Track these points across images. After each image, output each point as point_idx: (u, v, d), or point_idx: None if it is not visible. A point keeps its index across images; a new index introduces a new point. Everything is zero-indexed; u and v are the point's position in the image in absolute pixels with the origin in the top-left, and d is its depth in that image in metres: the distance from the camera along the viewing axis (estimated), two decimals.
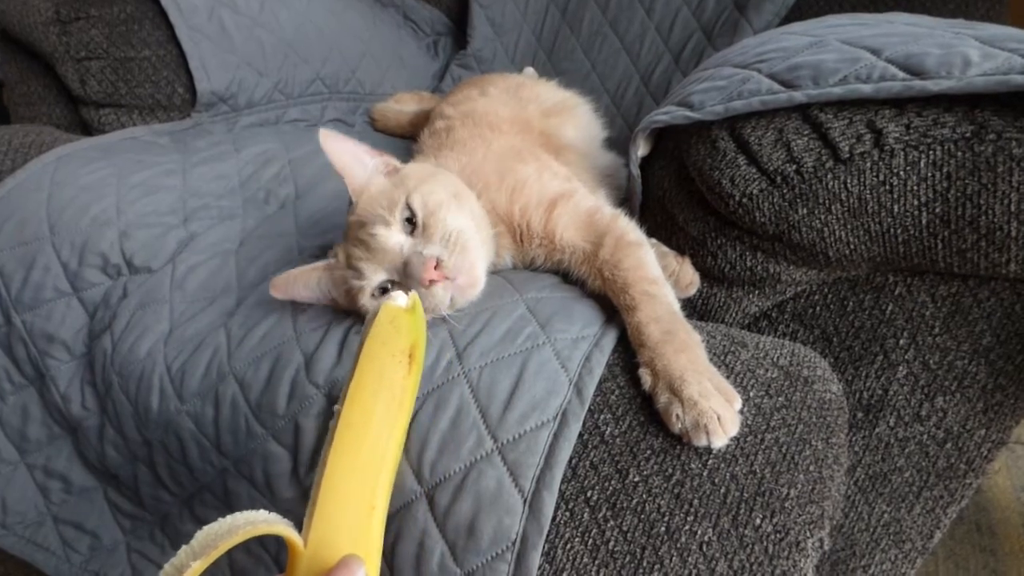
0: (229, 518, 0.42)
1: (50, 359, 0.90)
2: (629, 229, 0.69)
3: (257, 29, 1.23)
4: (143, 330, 0.81)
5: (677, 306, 0.62)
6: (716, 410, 0.50)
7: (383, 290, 0.65)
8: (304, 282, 0.69)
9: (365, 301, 0.65)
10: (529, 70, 1.36)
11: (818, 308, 0.67)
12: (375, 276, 0.64)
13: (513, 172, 0.74)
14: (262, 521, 0.43)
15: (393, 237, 0.65)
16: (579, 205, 0.72)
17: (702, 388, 0.52)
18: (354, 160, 0.70)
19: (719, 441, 0.51)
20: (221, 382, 0.72)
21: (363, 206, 0.68)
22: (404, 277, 0.63)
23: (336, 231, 0.90)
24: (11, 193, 0.93)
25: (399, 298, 0.50)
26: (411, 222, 0.65)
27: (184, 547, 0.40)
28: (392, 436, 0.51)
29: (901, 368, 0.64)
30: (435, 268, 0.61)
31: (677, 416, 0.51)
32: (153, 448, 0.80)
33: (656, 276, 0.63)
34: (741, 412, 0.53)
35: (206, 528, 0.41)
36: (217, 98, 1.18)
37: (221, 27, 1.17)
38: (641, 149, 0.75)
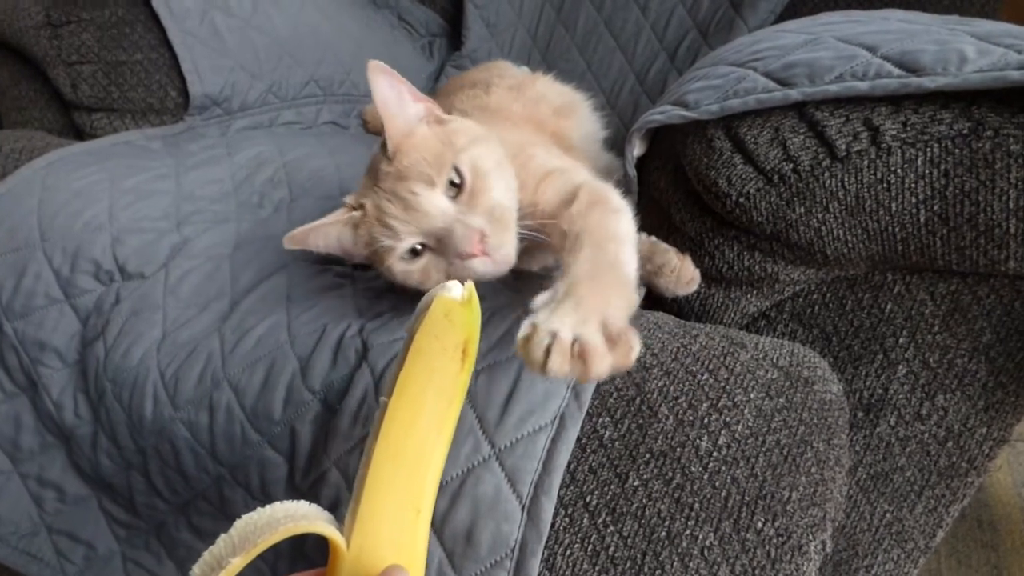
0: (268, 509, 0.41)
1: (42, 367, 0.89)
2: (611, 196, 0.63)
3: (250, 31, 1.22)
4: (136, 337, 0.80)
5: (630, 268, 0.53)
6: (575, 329, 0.43)
7: (413, 252, 0.62)
8: (323, 234, 0.66)
9: (393, 262, 0.62)
10: (524, 69, 1.36)
11: (817, 307, 0.67)
12: (409, 238, 0.60)
13: (524, 149, 0.72)
14: (302, 517, 0.41)
15: (436, 199, 0.60)
16: (571, 178, 0.67)
17: (580, 319, 0.44)
18: (399, 100, 0.65)
19: (557, 368, 0.43)
20: (215, 389, 0.71)
21: (405, 158, 0.62)
22: (441, 245, 0.59)
23: None
24: (1, 199, 0.92)
25: (454, 289, 0.45)
26: (455, 186, 0.61)
27: (223, 536, 0.39)
28: (441, 434, 0.47)
29: (901, 367, 0.64)
30: (478, 241, 0.58)
31: (525, 335, 0.45)
32: (147, 456, 0.79)
33: (620, 235, 0.56)
34: (639, 360, 0.48)
35: (245, 518, 0.40)
36: (210, 101, 1.17)
37: (214, 30, 1.16)
38: (637, 149, 0.75)
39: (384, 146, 0.65)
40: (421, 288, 0.62)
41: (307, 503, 0.43)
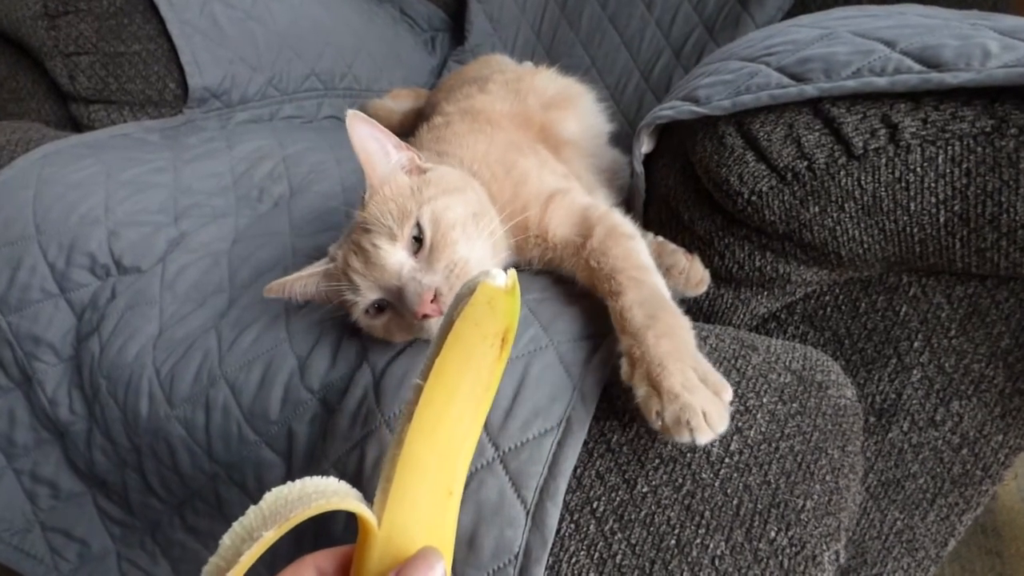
0: (299, 484, 0.40)
1: (37, 362, 0.87)
2: (622, 222, 0.65)
3: (250, 23, 1.20)
4: (132, 332, 0.79)
5: (667, 294, 0.57)
6: (700, 404, 0.45)
7: (378, 308, 0.61)
8: (301, 285, 0.65)
9: (358, 316, 0.61)
10: (528, 65, 1.34)
11: (829, 309, 0.65)
12: (369, 294, 0.60)
13: (516, 165, 0.72)
14: (333, 494, 0.40)
15: (396, 255, 0.59)
16: (574, 202, 0.68)
17: (685, 379, 0.47)
18: (379, 149, 0.64)
19: (703, 438, 0.45)
20: (212, 387, 0.69)
21: (373, 208, 0.62)
22: (397, 302, 0.58)
23: (331, 231, 0.88)
24: None
25: (498, 277, 0.44)
26: (419, 240, 0.60)
27: (253, 508, 0.39)
28: (476, 419, 0.47)
29: (915, 371, 0.62)
30: (432, 301, 0.56)
31: (656, 411, 0.46)
32: (142, 454, 0.78)
33: (645, 264, 0.59)
34: (732, 404, 0.49)
35: (275, 491, 0.39)
36: (209, 94, 1.15)
37: (213, 21, 1.15)
38: (645, 146, 0.73)
39: (363, 195, 0.65)
40: (390, 341, 0.62)
41: (336, 479, 0.42)
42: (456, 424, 0.46)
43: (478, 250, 0.61)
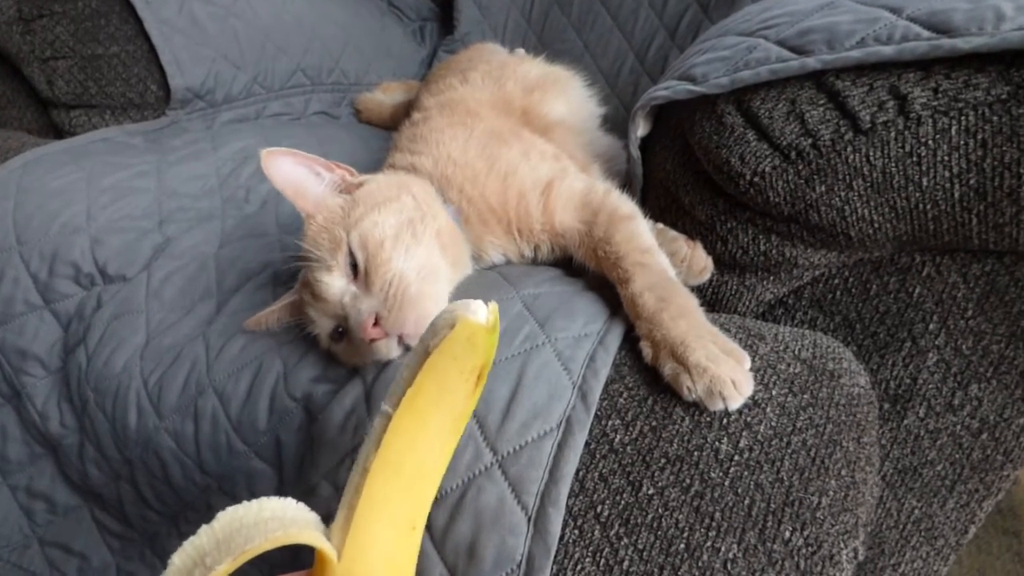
0: (255, 506, 0.39)
1: (25, 376, 0.85)
2: (621, 203, 0.65)
3: (231, 19, 1.17)
4: (118, 342, 0.76)
5: (672, 273, 0.59)
6: (727, 373, 0.48)
7: (340, 333, 0.60)
8: (275, 318, 0.66)
9: (326, 345, 0.61)
10: (520, 51, 1.31)
11: (839, 293, 0.62)
12: (325, 323, 0.60)
13: (500, 158, 0.69)
14: (292, 523, 0.39)
15: (335, 284, 0.59)
16: (573, 185, 0.68)
17: (708, 352, 0.49)
18: (307, 176, 0.64)
19: (735, 404, 0.48)
20: (200, 396, 0.67)
21: (308, 241, 0.62)
22: (346, 326, 0.59)
23: None
24: None
25: (479, 312, 0.43)
26: (354, 265, 0.60)
27: (205, 528, 0.37)
28: (444, 453, 0.46)
29: (931, 355, 0.59)
30: (374, 325, 0.56)
31: (688, 387, 0.49)
32: (135, 467, 0.76)
33: (648, 246, 0.60)
34: (752, 370, 0.50)
35: (229, 512, 0.38)
36: (192, 94, 1.12)
37: (192, 19, 1.12)
38: (641, 129, 0.70)
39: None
40: (359, 364, 0.61)
41: (295, 502, 0.41)
42: (424, 457, 0.44)
43: (419, 257, 0.60)
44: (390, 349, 0.58)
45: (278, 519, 0.39)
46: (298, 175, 0.63)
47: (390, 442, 0.42)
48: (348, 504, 0.42)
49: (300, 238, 0.63)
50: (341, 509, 0.42)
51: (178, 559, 0.36)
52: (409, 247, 0.60)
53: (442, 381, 0.44)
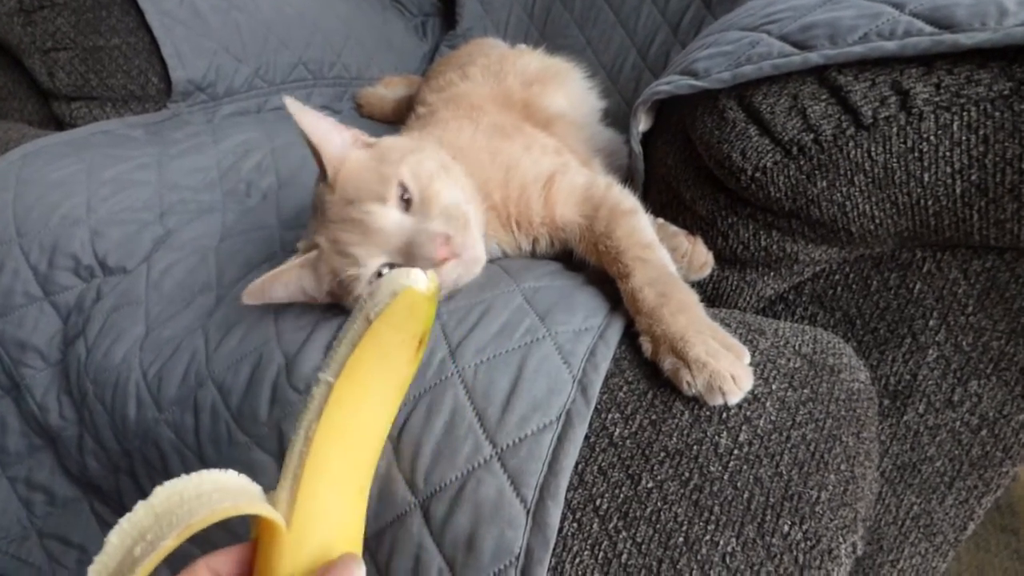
0: (194, 479, 0.38)
1: (24, 367, 0.85)
2: (623, 198, 0.65)
3: (233, 12, 1.17)
4: (118, 334, 0.76)
5: (673, 268, 0.59)
6: (727, 368, 0.48)
7: (379, 275, 0.59)
8: (282, 283, 0.62)
9: (362, 290, 0.59)
10: (521, 46, 1.31)
11: (839, 289, 0.62)
12: (373, 261, 0.58)
13: (502, 151, 0.69)
14: (238, 493, 0.39)
15: (391, 215, 0.59)
16: (574, 180, 0.68)
17: (708, 347, 0.49)
18: (328, 131, 0.64)
19: (735, 398, 0.48)
20: (200, 388, 0.67)
21: (349, 182, 0.61)
22: (408, 259, 0.58)
23: None
24: None
25: (419, 281, 0.44)
26: (404, 200, 0.60)
27: (142, 504, 0.36)
28: (386, 419, 0.47)
29: (931, 351, 0.59)
30: (444, 244, 0.57)
31: (688, 382, 0.49)
32: (133, 459, 0.76)
33: (649, 241, 0.60)
34: (751, 364, 0.51)
35: (168, 486, 0.37)
36: (194, 87, 1.12)
37: (194, 11, 1.11)
38: (642, 123, 0.70)
39: (323, 180, 0.64)
40: None
41: (235, 474, 0.40)
42: (366, 423, 0.45)
43: (458, 193, 0.62)
44: (454, 274, 0.58)
45: (221, 491, 0.38)
46: (323, 126, 0.63)
47: (332, 410, 0.43)
48: (292, 474, 0.42)
49: (323, 190, 0.62)
50: (284, 479, 0.42)
51: (115, 537, 0.35)
52: (450, 186, 0.61)
53: (383, 350, 0.44)
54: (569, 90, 0.93)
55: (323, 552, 0.41)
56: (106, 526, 0.89)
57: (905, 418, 0.62)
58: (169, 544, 0.34)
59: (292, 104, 0.61)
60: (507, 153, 0.70)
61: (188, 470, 0.69)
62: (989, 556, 1.23)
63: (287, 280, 0.62)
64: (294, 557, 0.40)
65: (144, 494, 0.82)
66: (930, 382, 0.60)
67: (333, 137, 0.64)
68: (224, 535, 0.48)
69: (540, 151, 0.72)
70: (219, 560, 0.40)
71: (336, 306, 0.65)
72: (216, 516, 0.36)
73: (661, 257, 0.59)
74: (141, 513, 0.36)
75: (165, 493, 0.37)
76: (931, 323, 0.59)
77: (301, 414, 0.43)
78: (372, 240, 0.58)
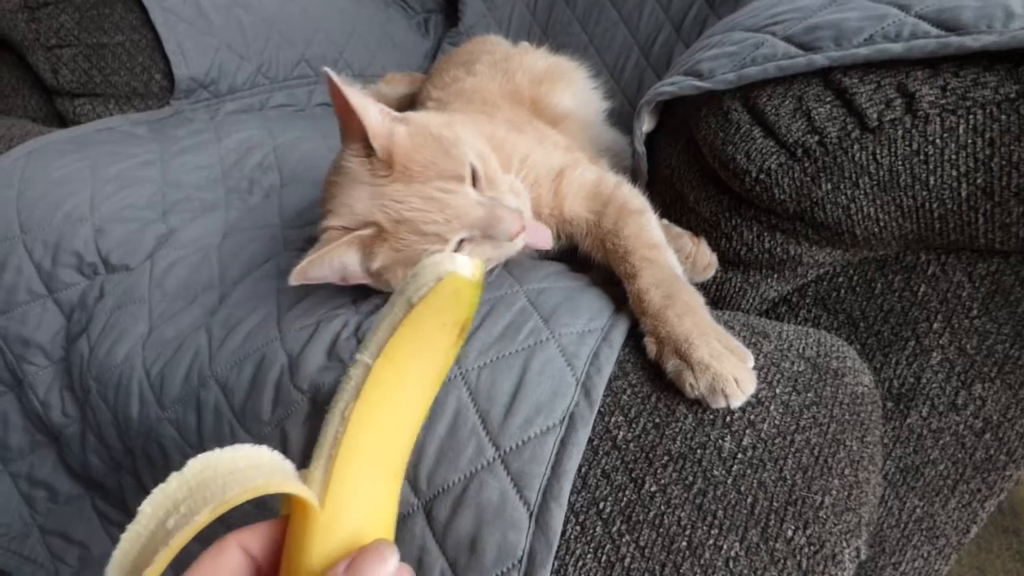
0: (228, 453, 0.37)
1: (27, 364, 0.85)
2: (632, 197, 0.65)
3: (236, 9, 1.16)
4: (120, 332, 0.76)
5: (679, 270, 0.59)
6: (730, 371, 0.48)
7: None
8: (327, 262, 0.59)
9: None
10: (524, 44, 1.30)
11: (843, 291, 0.62)
12: (455, 237, 0.57)
13: (517, 145, 0.69)
14: (272, 470, 0.37)
15: (468, 191, 0.58)
16: (584, 175, 0.68)
17: (712, 349, 0.49)
18: (369, 105, 0.60)
19: (738, 401, 0.48)
20: (203, 387, 0.67)
21: (412, 160, 0.58)
22: (484, 234, 0.57)
23: None
24: None
25: (464, 266, 0.42)
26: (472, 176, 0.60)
27: (176, 475, 0.35)
28: (424, 404, 0.46)
29: (935, 354, 0.59)
30: (520, 219, 0.57)
31: (691, 384, 0.49)
32: (136, 457, 0.76)
33: (656, 241, 0.60)
34: (755, 368, 0.50)
35: (202, 459, 0.36)
36: (197, 84, 1.12)
37: (198, 8, 1.11)
38: (646, 124, 0.70)
39: (363, 155, 0.60)
40: None
41: (268, 449, 0.39)
42: (404, 407, 0.44)
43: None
44: (526, 239, 0.60)
45: (255, 467, 0.37)
46: (365, 100, 0.60)
47: (370, 392, 0.42)
48: (327, 453, 0.41)
49: (370, 162, 0.59)
50: (318, 458, 0.41)
51: (148, 506, 0.35)
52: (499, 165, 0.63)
53: (424, 334, 0.43)
54: (576, 90, 0.92)
55: (355, 535, 0.40)
56: (108, 523, 0.89)
57: (908, 421, 0.62)
58: (203, 519, 0.34)
59: (334, 77, 0.58)
60: (521, 146, 0.69)
61: None
62: (991, 557, 1.23)
63: (331, 259, 0.59)
64: (326, 538, 0.39)
65: (146, 492, 0.82)
66: (934, 385, 0.60)
67: (373, 112, 0.60)
68: (252, 509, 0.47)
69: (552, 146, 0.72)
70: (248, 536, 0.39)
71: (342, 307, 0.65)
72: (250, 493, 0.35)
73: (668, 258, 0.59)
74: (174, 484, 0.35)
75: (199, 465, 0.36)
76: (935, 326, 0.58)
77: (337, 394, 0.43)
78: (452, 216, 0.57)
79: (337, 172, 0.62)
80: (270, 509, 0.42)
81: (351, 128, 0.60)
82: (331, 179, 0.63)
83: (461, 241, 0.58)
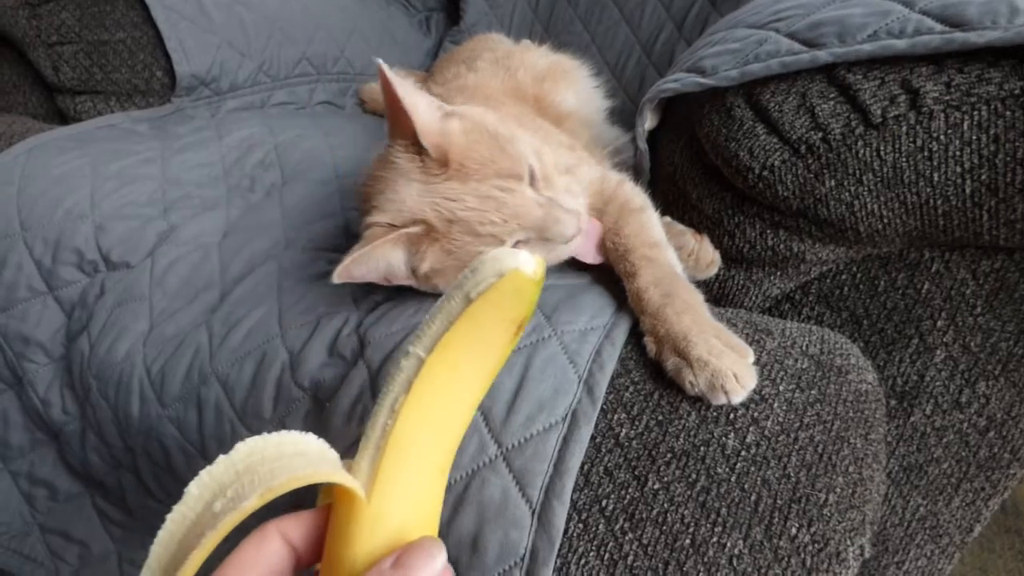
0: (275, 439, 0.37)
1: (27, 362, 0.85)
2: (633, 195, 0.65)
3: (237, 7, 1.16)
4: (121, 330, 0.76)
5: (679, 268, 0.59)
6: (729, 367, 0.48)
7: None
8: (372, 259, 0.57)
9: None
10: (526, 42, 1.30)
11: (846, 289, 0.62)
12: (512, 238, 0.56)
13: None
14: (320, 459, 0.37)
15: (526, 191, 0.56)
16: (587, 173, 0.68)
17: (710, 346, 0.49)
18: (420, 100, 0.58)
19: (738, 397, 0.48)
20: (203, 385, 0.67)
21: (468, 157, 0.56)
22: (540, 235, 0.56)
23: (325, 219, 0.85)
24: None
25: (526, 262, 0.41)
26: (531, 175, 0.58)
27: (223, 458, 0.35)
28: (474, 400, 0.45)
29: (939, 352, 0.59)
30: (578, 221, 0.57)
31: (690, 381, 0.48)
32: (136, 455, 0.76)
33: (656, 240, 0.60)
34: (756, 363, 0.50)
35: (250, 443, 0.36)
36: (198, 81, 1.12)
37: (199, 6, 1.11)
38: (648, 121, 0.70)
39: (410, 149, 0.58)
40: None
41: (314, 437, 0.39)
42: (455, 404, 0.44)
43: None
44: (581, 243, 0.59)
45: (302, 454, 0.37)
46: (416, 96, 0.58)
47: (422, 387, 0.41)
48: (374, 445, 0.40)
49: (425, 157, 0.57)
50: (364, 449, 0.40)
51: (195, 488, 0.35)
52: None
53: (481, 330, 0.42)
54: (578, 88, 0.92)
55: (401, 530, 0.39)
56: (108, 522, 0.89)
57: (912, 419, 0.61)
58: (251, 505, 0.33)
59: (386, 70, 0.56)
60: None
61: (191, 467, 0.69)
62: (993, 557, 1.23)
63: (375, 257, 0.57)
64: (372, 532, 0.39)
65: (147, 490, 0.82)
66: (937, 383, 0.60)
67: (424, 107, 0.58)
68: (288, 496, 0.47)
69: (557, 144, 0.72)
70: (289, 525, 0.39)
71: (342, 304, 0.65)
72: (298, 482, 0.35)
73: (668, 257, 0.59)
74: (221, 467, 0.35)
75: (246, 449, 0.36)
76: (939, 324, 0.58)
77: (386, 385, 0.42)
78: (511, 216, 0.55)
79: (383, 167, 0.60)
80: (303, 497, 0.41)
81: (401, 123, 0.58)
82: (376, 174, 0.61)
83: (516, 243, 0.57)
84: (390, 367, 0.42)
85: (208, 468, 0.35)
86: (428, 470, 0.42)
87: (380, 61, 0.57)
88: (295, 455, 0.37)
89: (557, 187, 0.59)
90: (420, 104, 0.58)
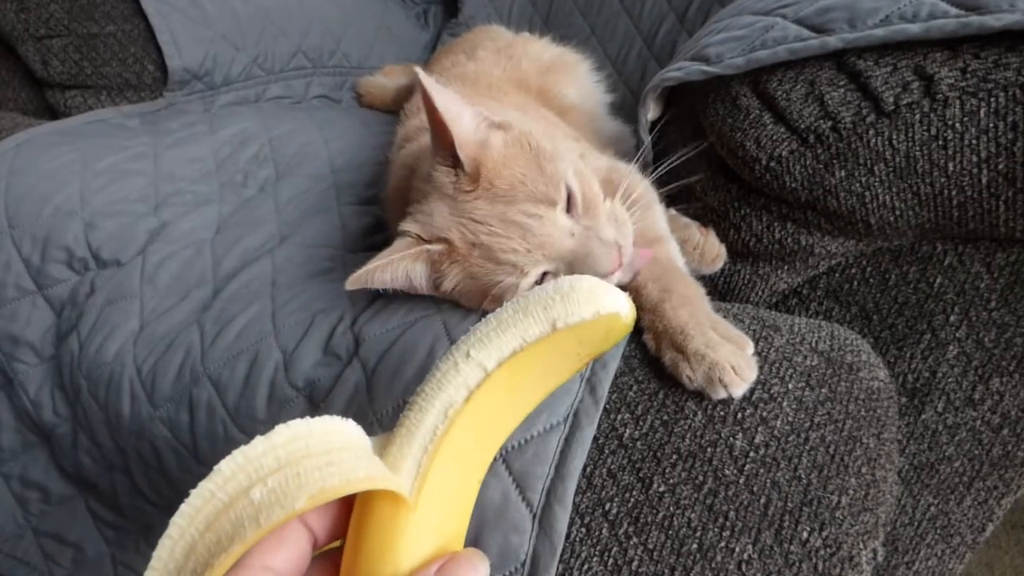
0: (319, 426, 0.35)
1: (17, 363, 0.83)
2: (639, 187, 0.61)
3: None
4: (111, 329, 0.74)
5: (680, 262, 0.58)
6: (726, 359, 0.46)
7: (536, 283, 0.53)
8: (389, 271, 0.55)
9: (509, 298, 0.51)
10: (526, 35, 1.28)
11: (856, 283, 0.60)
12: (535, 269, 0.52)
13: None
14: (371, 465, 0.35)
15: (560, 219, 0.52)
16: (595, 163, 0.66)
17: (707, 339, 0.47)
18: (462, 111, 0.55)
19: (738, 390, 0.46)
20: (195, 385, 0.65)
21: (501, 177, 0.53)
22: (573, 268, 0.52)
23: (320, 214, 0.84)
24: None
25: (623, 306, 0.41)
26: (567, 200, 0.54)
27: (260, 439, 0.32)
28: (523, 417, 0.45)
29: (951, 347, 0.57)
30: (618, 255, 0.52)
31: (688, 376, 0.47)
32: (128, 456, 0.74)
33: (659, 234, 0.59)
34: (756, 355, 0.48)
35: (291, 428, 0.33)
36: (191, 75, 1.10)
37: None
38: (651, 112, 0.68)
39: (452, 166, 0.55)
40: None
41: (354, 424, 0.37)
42: (507, 419, 0.43)
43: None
44: (621, 278, 0.53)
45: (349, 449, 0.35)
46: (456, 107, 0.55)
47: (484, 398, 0.40)
48: (421, 446, 0.38)
49: (454, 175, 0.54)
50: (406, 446, 0.38)
51: (226, 467, 0.32)
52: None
53: (556, 358, 0.42)
54: (580, 82, 0.90)
55: (445, 539, 0.38)
56: (102, 524, 0.87)
57: (923, 417, 0.60)
58: (302, 508, 0.31)
59: (426, 79, 0.52)
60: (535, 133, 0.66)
61: (184, 468, 0.68)
62: (999, 553, 1.22)
63: (394, 267, 0.55)
64: (415, 538, 0.37)
65: (140, 492, 0.80)
66: (950, 379, 0.58)
67: (466, 119, 0.55)
68: None
69: (562, 136, 0.70)
70: (316, 516, 0.37)
71: (337, 301, 0.63)
72: (353, 487, 0.33)
73: (669, 251, 0.57)
74: (260, 449, 0.32)
75: (289, 433, 0.33)
76: (952, 318, 0.57)
77: (432, 383, 0.40)
78: (536, 245, 0.52)
79: (426, 178, 0.57)
80: None
81: (441, 134, 0.54)
82: (418, 185, 0.59)
83: (544, 274, 0.53)
84: (440, 363, 0.40)
85: (243, 448, 0.32)
86: (472, 483, 0.42)
87: (419, 70, 0.54)
88: (343, 449, 0.35)
89: (598, 214, 0.54)
90: (461, 115, 0.55)
